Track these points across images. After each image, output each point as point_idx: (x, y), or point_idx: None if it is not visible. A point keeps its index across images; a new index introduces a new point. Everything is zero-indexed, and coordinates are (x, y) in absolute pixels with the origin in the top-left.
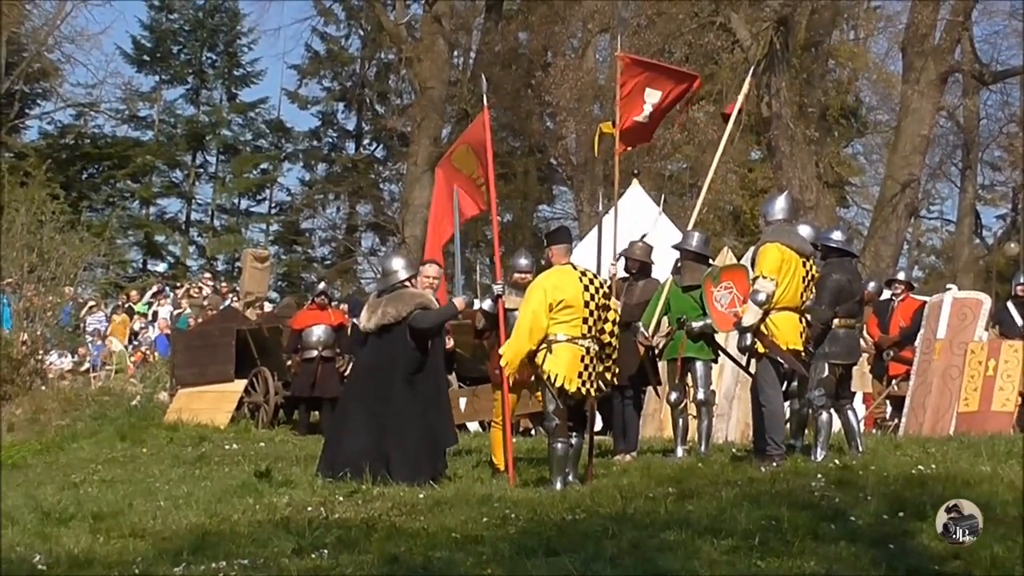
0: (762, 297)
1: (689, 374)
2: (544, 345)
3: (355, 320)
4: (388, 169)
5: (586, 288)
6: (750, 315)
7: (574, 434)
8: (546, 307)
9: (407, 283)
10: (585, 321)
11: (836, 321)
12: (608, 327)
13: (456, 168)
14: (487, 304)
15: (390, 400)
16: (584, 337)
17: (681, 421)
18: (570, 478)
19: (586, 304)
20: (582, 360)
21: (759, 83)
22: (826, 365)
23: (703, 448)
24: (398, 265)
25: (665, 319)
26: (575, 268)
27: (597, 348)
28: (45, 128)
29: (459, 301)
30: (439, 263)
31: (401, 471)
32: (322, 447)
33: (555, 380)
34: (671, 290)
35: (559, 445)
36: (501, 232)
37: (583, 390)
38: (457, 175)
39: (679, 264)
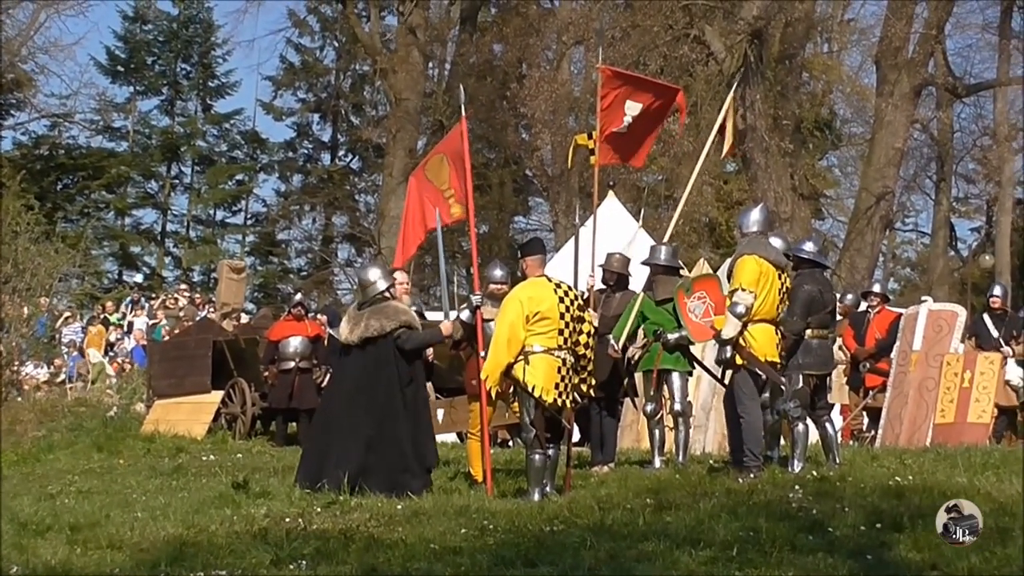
0: (741, 309)
1: (665, 386)
2: (521, 356)
3: (332, 331)
4: (364, 180)
5: (561, 300)
6: (729, 327)
7: (551, 445)
8: (523, 319)
9: (386, 294)
10: (561, 332)
11: (809, 332)
12: (583, 339)
13: (427, 179)
14: (464, 315)
15: (377, 414)
16: (560, 348)
17: (657, 432)
18: (548, 489)
19: (561, 316)
20: (559, 371)
21: (736, 96)
22: (800, 376)
23: (680, 459)
24: (375, 276)
25: (640, 331)
26: (550, 280)
27: (573, 360)
28: (19, 139)
29: (445, 326)
30: (406, 271)
31: (384, 484)
32: (301, 458)
33: (532, 391)
34: (644, 303)
35: (536, 456)
36: (476, 244)
37: (560, 401)
38: (427, 186)
39: (651, 279)
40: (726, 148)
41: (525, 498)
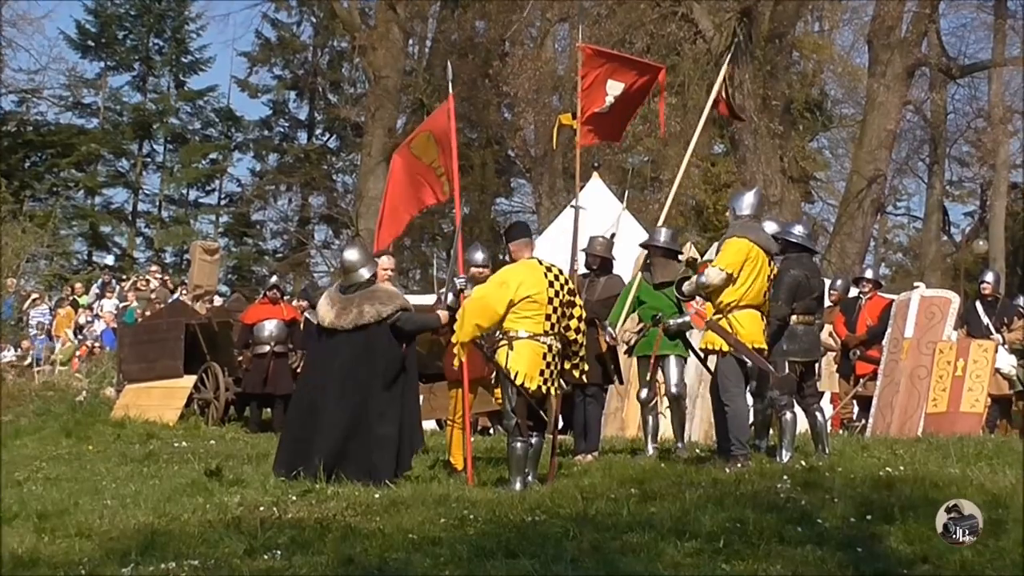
0: (705, 281)
1: (660, 369)
2: (504, 341)
3: (307, 314)
4: (341, 160)
5: (551, 284)
6: (688, 287)
7: (534, 433)
8: (506, 300)
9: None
10: (548, 318)
11: (794, 318)
12: (574, 324)
13: (416, 156)
14: (449, 299)
15: (367, 400)
16: (546, 334)
17: (651, 419)
18: (530, 478)
19: (550, 300)
20: (544, 357)
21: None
22: (785, 363)
23: (679, 443)
24: (360, 262)
25: (636, 315)
26: (541, 263)
27: (560, 346)
28: None
29: (443, 314)
30: (391, 254)
31: (361, 470)
32: (279, 445)
33: (515, 378)
34: (641, 287)
35: (518, 444)
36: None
37: (543, 388)
38: (416, 163)
39: (649, 261)
40: (721, 109)
41: (507, 487)
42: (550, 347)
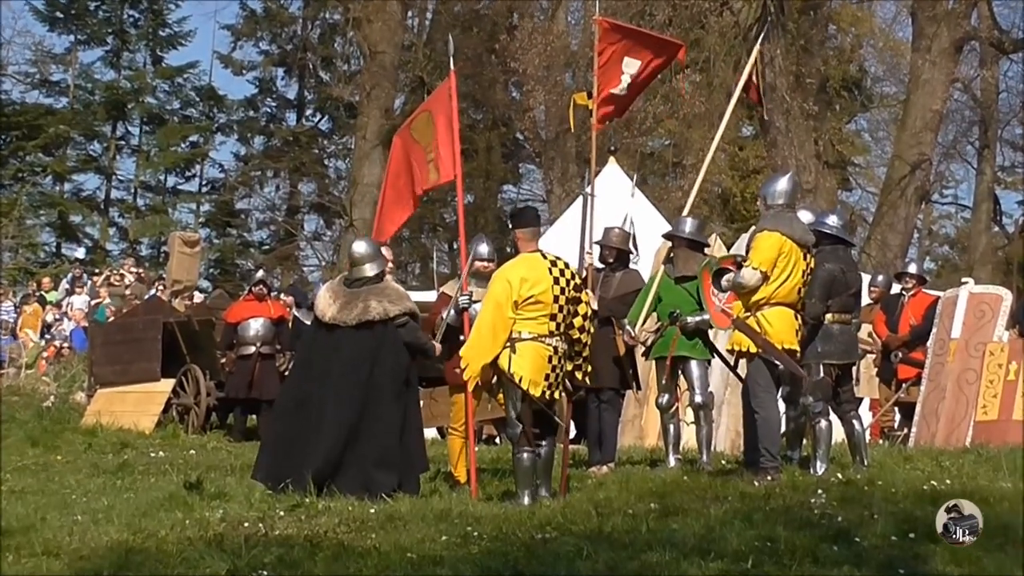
0: (740, 282)
1: (682, 375)
2: (507, 344)
3: (298, 314)
4: (334, 143)
5: (556, 280)
6: (727, 281)
7: (542, 442)
8: (511, 303)
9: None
10: (553, 318)
11: (829, 316)
12: (578, 322)
13: (414, 139)
14: (450, 316)
15: (370, 406)
16: (552, 335)
17: (672, 427)
18: (542, 492)
19: (555, 299)
20: (549, 360)
21: (750, 50)
22: (820, 366)
23: (704, 457)
24: (370, 255)
25: (654, 314)
26: (544, 256)
27: (566, 347)
28: None
29: (438, 347)
30: (388, 246)
31: (357, 483)
32: (260, 451)
33: (519, 382)
34: (662, 282)
35: (524, 455)
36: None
37: (549, 394)
38: (414, 147)
39: (671, 254)
40: (751, 96)
41: (514, 502)
42: (555, 349)
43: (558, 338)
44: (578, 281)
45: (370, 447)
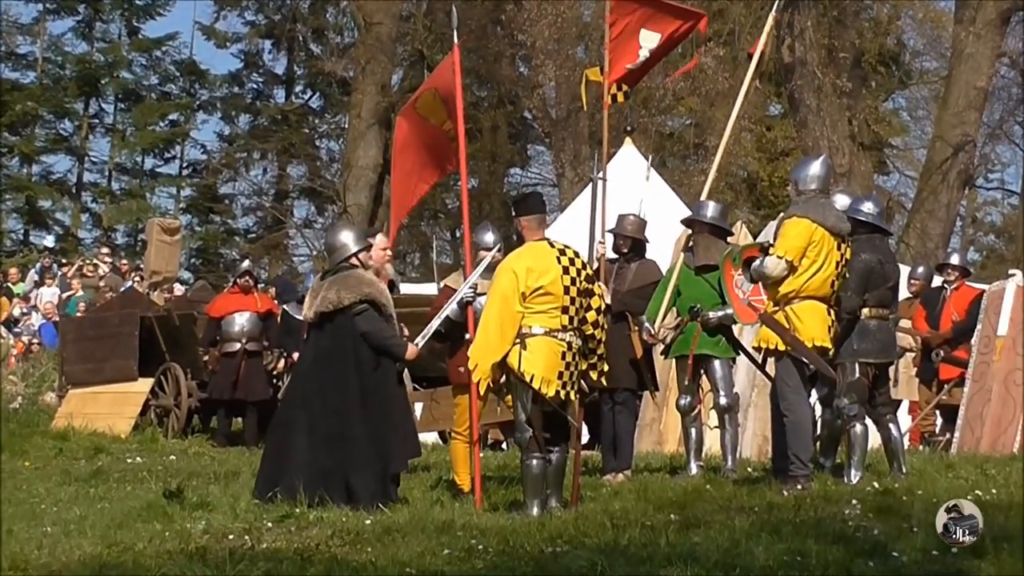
0: (764, 271)
1: (704, 375)
2: (517, 340)
3: (286, 307)
4: (326, 122)
5: (566, 270)
6: (751, 273)
7: (554, 448)
8: (519, 295)
9: (355, 259)
10: (565, 311)
11: (865, 311)
12: (591, 316)
13: (423, 116)
14: (452, 309)
15: (335, 404)
16: (564, 330)
17: (694, 431)
18: (552, 502)
19: (566, 290)
20: (563, 357)
21: (779, 22)
22: (855, 365)
23: (729, 464)
24: (346, 238)
25: (673, 308)
26: (552, 245)
27: (580, 343)
28: None
29: (411, 351)
30: (385, 234)
31: (342, 491)
32: (261, 462)
33: (530, 382)
34: (682, 273)
35: (534, 461)
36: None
37: (563, 393)
38: (425, 125)
39: (691, 243)
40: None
41: (522, 513)
42: (569, 345)
43: (572, 333)
44: (589, 272)
45: (343, 452)
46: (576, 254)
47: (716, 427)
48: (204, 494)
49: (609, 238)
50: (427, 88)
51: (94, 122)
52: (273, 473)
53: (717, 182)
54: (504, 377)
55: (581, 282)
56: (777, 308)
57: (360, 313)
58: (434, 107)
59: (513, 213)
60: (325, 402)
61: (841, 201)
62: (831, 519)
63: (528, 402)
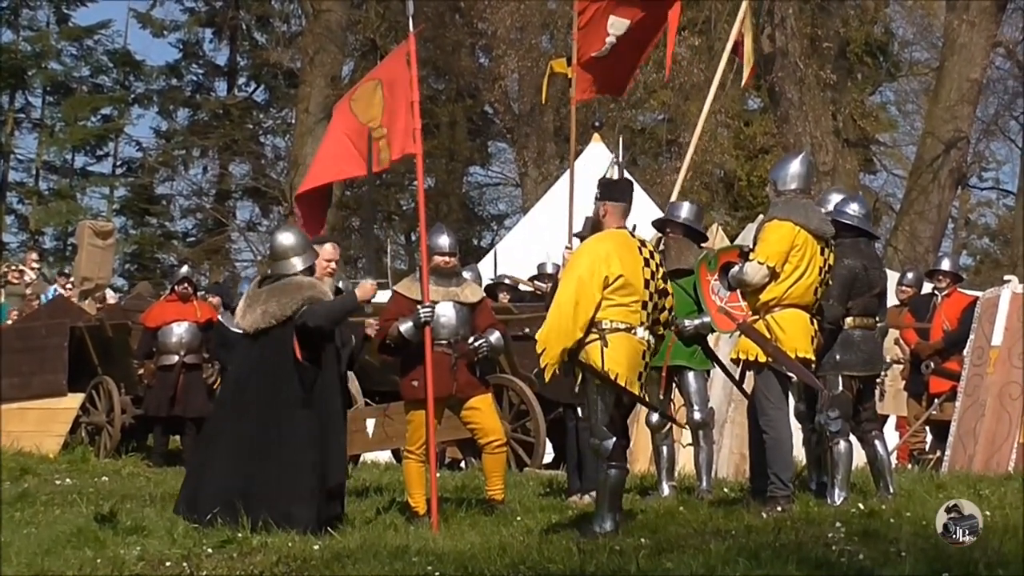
0: (743, 278)
1: (678, 388)
2: (596, 334)
3: (222, 317)
4: (271, 117)
5: (647, 263)
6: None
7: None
8: (600, 277)
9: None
10: (644, 306)
11: (849, 320)
12: (664, 317)
13: (352, 113)
14: (406, 327)
15: (270, 423)
16: (642, 326)
17: (665, 449)
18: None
19: (646, 284)
20: (643, 357)
21: (758, 9)
22: (839, 378)
23: (704, 484)
24: (293, 248)
25: None
26: (633, 235)
27: (654, 343)
28: None
29: (364, 287)
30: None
31: (271, 514)
32: (184, 480)
33: (615, 380)
34: None
35: (613, 471)
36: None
37: (644, 395)
38: (351, 121)
39: (662, 247)
40: (745, 75)
41: (592, 527)
42: (648, 344)
43: (647, 331)
44: (664, 271)
45: (277, 476)
46: (653, 250)
47: (689, 444)
48: (139, 518)
49: (576, 242)
50: (370, 79)
51: (20, 117)
52: (195, 493)
53: (691, 181)
54: (581, 376)
55: (659, 280)
56: (756, 317)
57: (301, 313)
58: (371, 101)
59: (597, 195)
60: (259, 419)
61: (833, 200)
62: (813, 543)
63: (611, 405)
